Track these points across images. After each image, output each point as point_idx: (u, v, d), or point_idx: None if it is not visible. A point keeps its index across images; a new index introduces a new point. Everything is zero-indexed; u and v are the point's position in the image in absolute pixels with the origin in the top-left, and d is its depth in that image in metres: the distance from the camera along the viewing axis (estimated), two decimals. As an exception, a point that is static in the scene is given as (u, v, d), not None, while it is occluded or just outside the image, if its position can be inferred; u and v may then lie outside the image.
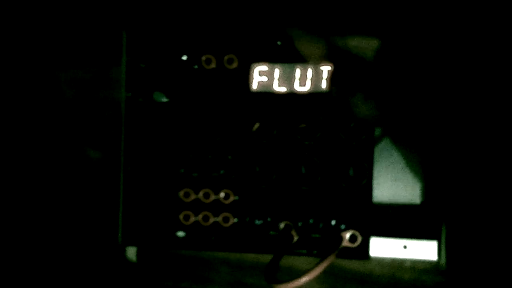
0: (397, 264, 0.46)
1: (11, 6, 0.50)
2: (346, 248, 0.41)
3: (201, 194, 0.44)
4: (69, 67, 0.50)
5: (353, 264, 0.47)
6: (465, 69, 0.42)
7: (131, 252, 0.51)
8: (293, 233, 0.42)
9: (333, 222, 0.42)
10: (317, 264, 0.36)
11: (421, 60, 0.42)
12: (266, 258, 0.43)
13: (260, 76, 0.43)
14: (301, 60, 0.42)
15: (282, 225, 0.42)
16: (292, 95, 0.42)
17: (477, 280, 0.43)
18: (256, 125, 0.43)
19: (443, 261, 0.42)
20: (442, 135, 0.43)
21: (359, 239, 0.41)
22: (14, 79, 0.51)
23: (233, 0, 0.45)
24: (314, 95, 0.42)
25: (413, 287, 0.46)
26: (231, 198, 0.43)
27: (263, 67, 0.43)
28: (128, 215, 0.45)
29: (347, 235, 0.41)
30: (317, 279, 0.48)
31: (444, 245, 0.42)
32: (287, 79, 0.42)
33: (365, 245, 0.41)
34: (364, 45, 0.42)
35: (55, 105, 0.51)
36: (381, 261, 0.46)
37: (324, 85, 0.42)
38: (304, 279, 0.35)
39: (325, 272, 0.47)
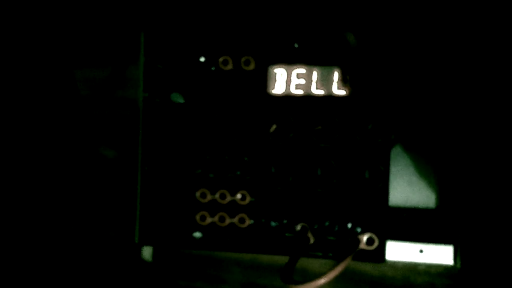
0: (410, 267, 0.46)
1: (31, 4, 0.50)
2: (362, 251, 0.41)
3: (217, 195, 0.44)
4: (87, 67, 0.51)
5: (366, 267, 0.47)
6: (479, 73, 0.42)
7: (147, 252, 0.51)
8: (309, 235, 0.42)
9: (349, 225, 0.42)
10: (334, 266, 0.36)
11: (438, 65, 0.42)
12: (280, 259, 0.44)
13: (277, 78, 0.43)
14: (319, 62, 0.42)
15: (298, 227, 0.42)
16: (309, 98, 0.42)
17: (492, 285, 0.43)
18: (273, 127, 0.43)
19: (458, 265, 0.42)
20: (458, 139, 0.43)
21: (376, 242, 0.41)
22: (32, 78, 0.51)
23: (251, 2, 0.45)
24: (331, 98, 0.42)
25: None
26: (247, 199, 0.44)
27: (281, 70, 0.43)
28: (144, 215, 0.45)
29: (365, 238, 0.41)
30: (330, 282, 0.48)
31: (460, 249, 0.42)
32: (304, 81, 0.42)
33: (381, 249, 0.41)
34: (383, 48, 0.42)
35: (72, 104, 0.51)
36: (394, 264, 0.47)
37: (341, 87, 0.42)
38: (322, 281, 0.35)
39: (339, 276, 0.48)
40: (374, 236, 0.41)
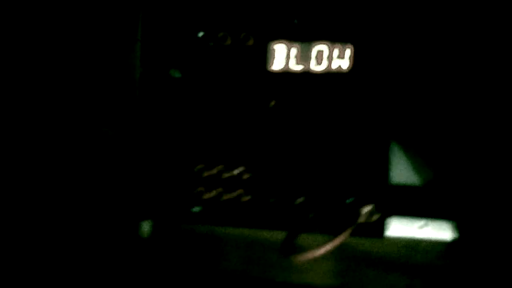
0: (411, 246, 0.47)
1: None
2: (362, 225, 0.42)
3: (216, 170, 0.44)
4: (87, 44, 0.50)
5: (366, 245, 0.48)
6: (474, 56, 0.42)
7: (146, 228, 0.51)
8: (309, 210, 0.42)
9: (349, 200, 0.42)
10: (333, 238, 0.37)
11: (438, 46, 0.42)
12: (280, 235, 0.44)
13: (277, 54, 0.43)
14: (318, 39, 0.42)
15: (298, 202, 0.43)
16: (308, 74, 0.42)
17: (489, 260, 0.43)
18: (272, 103, 0.43)
19: (456, 241, 0.43)
20: (456, 118, 0.43)
21: (376, 215, 0.41)
22: (31, 53, 0.51)
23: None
24: (330, 74, 0.42)
25: (426, 269, 0.46)
26: (246, 175, 0.44)
27: (280, 46, 0.43)
28: (144, 190, 0.46)
29: (365, 211, 0.41)
30: (331, 260, 0.48)
31: (459, 225, 0.42)
32: (304, 57, 0.42)
33: (381, 223, 0.42)
34: (384, 25, 0.41)
35: (73, 80, 0.51)
36: (394, 242, 0.47)
37: (341, 64, 0.42)
38: (321, 251, 0.35)
39: (339, 253, 0.48)
40: (374, 209, 0.41)
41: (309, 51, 0.42)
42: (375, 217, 0.41)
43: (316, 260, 0.43)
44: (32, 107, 0.51)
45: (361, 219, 0.41)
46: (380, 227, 0.42)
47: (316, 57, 0.42)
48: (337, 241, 0.37)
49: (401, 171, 0.44)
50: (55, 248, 0.52)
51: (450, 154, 0.43)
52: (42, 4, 0.50)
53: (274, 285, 0.49)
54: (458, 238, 0.42)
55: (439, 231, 0.42)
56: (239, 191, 0.44)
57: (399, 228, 0.42)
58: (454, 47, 0.42)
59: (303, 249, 0.46)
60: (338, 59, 0.42)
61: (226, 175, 0.44)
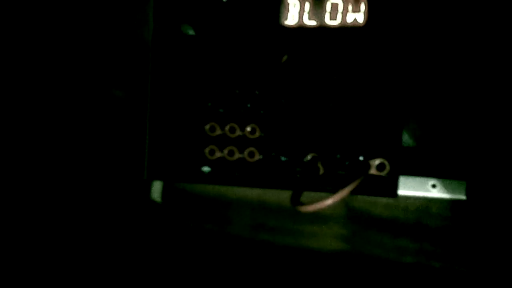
0: (422, 209, 0.45)
1: None
2: (373, 178, 0.40)
3: (227, 128, 0.43)
4: (97, 7, 0.50)
5: (378, 209, 0.46)
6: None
7: (156, 192, 0.51)
8: (319, 165, 0.41)
9: (361, 158, 0.41)
10: (342, 188, 0.36)
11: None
12: (289, 200, 0.43)
13: (290, 8, 0.42)
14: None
15: (309, 157, 0.42)
16: (323, 29, 0.41)
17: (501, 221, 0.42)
18: (285, 57, 0.42)
19: (468, 201, 0.41)
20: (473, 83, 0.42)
21: (387, 167, 0.40)
22: (43, 22, 0.51)
23: None
24: (345, 29, 0.41)
25: (437, 233, 0.45)
26: (257, 133, 0.43)
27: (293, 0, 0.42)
28: (153, 149, 0.45)
29: (376, 163, 0.40)
30: (340, 224, 0.47)
31: (471, 185, 0.41)
32: (318, 12, 0.41)
33: (394, 181, 0.40)
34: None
35: (83, 42, 0.51)
36: (406, 207, 0.46)
37: (356, 18, 0.41)
38: (329, 201, 0.34)
39: (347, 217, 0.47)
40: (385, 162, 0.40)
41: (324, 4, 0.41)
42: (386, 171, 0.40)
43: (325, 219, 0.42)
44: (39, 68, 0.51)
45: (371, 171, 0.40)
46: (393, 185, 0.40)
47: (330, 12, 0.41)
48: (345, 192, 0.35)
49: (415, 132, 0.42)
50: (62, 213, 0.52)
51: (462, 113, 0.42)
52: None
53: (282, 249, 0.48)
54: (470, 198, 0.41)
55: (452, 191, 0.40)
56: (250, 149, 0.43)
57: (412, 186, 0.41)
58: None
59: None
60: (353, 13, 0.41)
61: (237, 133, 0.43)
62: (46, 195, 0.52)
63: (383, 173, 0.40)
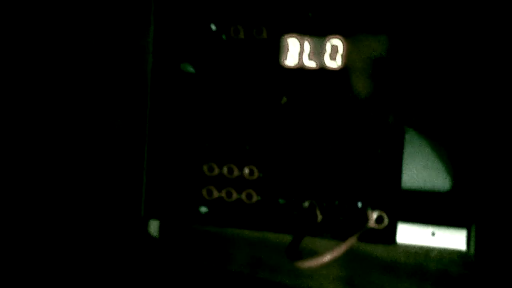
0: (423, 253, 0.44)
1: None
2: (371, 231, 0.39)
3: (225, 169, 0.43)
4: (98, 34, 0.50)
5: (377, 251, 0.46)
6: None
7: (154, 227, 0.50)
8: (318, 212, 0.40)
9: (359, 204, 0.40)
10: (340, 243, 0.35)
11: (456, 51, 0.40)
12: (288, 238, 0.42)
13: (290, 48, 0.41)
14: (333, 33, 0.40)
15: (306, 204, 0.41)
16: (322, 70, 0.41)
17: (507, 271, 0.41)
18: (284, 99, 0.41)
19: (472, 251, 0.40)
20: (473, 121, 0.41)
21: (386, 220, 0.39)
22: (41, 42, 0.51)
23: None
24: (344, 71, 0.40)
25: (439, 277, 0.44)
26: (256, 175, 0.42)
27: (294, 40, 0.41)
28: (151, 187, 0.44)
29: (374, 215, 0.39)
30: (340, 265, 0.47)
31: (474, 234, 0.40)
32: (318, 52, 0.41)
33: (392, 229, 0.39)
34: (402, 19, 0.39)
35: (82, 71, 0.50)
36: (406, 249, 0.45)
37: (355, 60, 0.40)
38: (327, 257, 0.33)
39: (347, 258, 0.46)
40: (383, 214, 0.39)
41: (323, 46, 0.40)
42: (385, 223, 0.39)
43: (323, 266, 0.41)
44: (39, 98, 0.51)
45: (370, 224, 0.39)
46: (391, 233, 0.39)
47: (330, 53, 0.40)
48: (343, 247, 0.34)
49: (414, 175, 0.41)
50: (58, 246, 0.52)
51: (466, 159, 0.41)
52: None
53: (282, 289, 0.47)
54: (474, 247, 0.39)
55: (453, 239, 0.39)
56: (248, 191, 0.42)
57: (411, 234, 0.40)
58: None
59: (310, 254, 0.44)
60: (352, 54, 0.40)
61: (235, 174, 0.43)
62: (46, 230, 0.52)
63: (381, 226, 0.39)
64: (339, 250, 0.34)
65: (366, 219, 0.39)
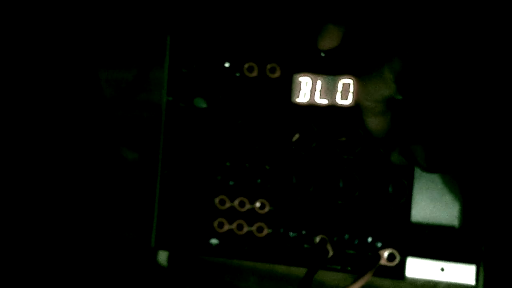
0: (430, 285, 0.45)
1: (60, 6, 0.51)
2: (382, 266, 0.40)
3: (236, 202, 0.44)
4: (113, 68, 0.51)
5: (384, 282, 0.46)
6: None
7: (163, 257, 0.51)
8: (329, 247, 0.41)
9: (369, 239, 0.41)
10: (353, 281, 0.36)
11: (464, 83, 0.41)
12: (297, 270, 0.43)
13: (302, 86, 0.42)
14: (344, 72, 0.41)
15: (317, 239, 0.42)
16: (333, 108, 0.42)
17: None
18: (296, 136, 0.42)
19: (480, 286, 0.41)
20: (483, 154, 0.42)
21: (398, 258, 0.40)
22: (56, 78, 0.52)
23: (279, 10, 0.45)
24: (355, 109, 0.41)
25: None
26: (267, 208, 0.43)
27: (306, 78, 0.42)
28: (162, 219, 0.45)
29: (386, 254, 0.40)
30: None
31: (483, 269, 0.41)
32: (329, 91, 0.42)
33: (402, 265, 0.40)
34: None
35: (95, 104, 0.51)
36: (413, 281, 0.45)
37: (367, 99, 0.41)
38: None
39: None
40: (395, 252, 0.40)
41: (335, 85, 0.42)
42: (397, 261, 0.40)
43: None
44: (50, 126, 0.52)
45: (382, 261, 0.40)
46: (400, 268, 0.40)
47: (342, 91, 0.42)
48: (357, 285, 0.35)
49: (424, 210, 0.42)
50: (69, 275, 0.52)
51: (476, 195, 0.42)
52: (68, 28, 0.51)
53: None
54: (483, 283, 0.40)
55: (462, 274, 0.40)
56: (259, 224, 0.43)
57: (420, 268, 0.40)
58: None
59: (319, 286, 0.45)
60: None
61: (246, 207, 0.43)
62: (58, 258, 0.52)
63: (393, 264, 0.40)
64: (354, 287, 0.35)
65: (378, 256, 0.40)
